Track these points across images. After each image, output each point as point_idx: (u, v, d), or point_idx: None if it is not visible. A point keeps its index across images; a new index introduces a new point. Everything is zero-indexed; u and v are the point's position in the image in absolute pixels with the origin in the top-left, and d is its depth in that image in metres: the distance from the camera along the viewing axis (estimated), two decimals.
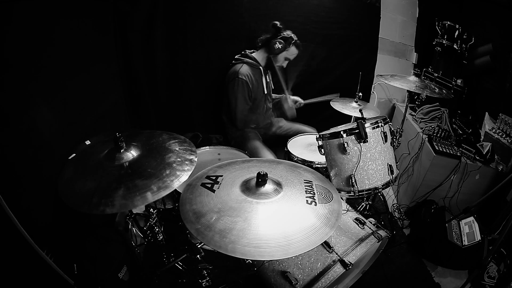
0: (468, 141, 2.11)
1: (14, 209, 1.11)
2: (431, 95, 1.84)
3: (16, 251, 1.19)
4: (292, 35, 1.98)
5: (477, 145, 2.07)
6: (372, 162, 1.36)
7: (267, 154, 1.97)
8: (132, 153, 1.12)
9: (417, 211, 2.16)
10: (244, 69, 1.93)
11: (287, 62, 2.06)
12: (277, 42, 1.93)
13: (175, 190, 1.02)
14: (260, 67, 2.00)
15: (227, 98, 1.99)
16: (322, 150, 1.45)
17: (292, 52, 2.00)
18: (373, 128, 1.35)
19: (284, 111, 2.19)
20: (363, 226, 1.28)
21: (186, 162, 1.10)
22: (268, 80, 2.11)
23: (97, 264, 1.32)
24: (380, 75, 2.08)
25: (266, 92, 2.07)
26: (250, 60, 1.98)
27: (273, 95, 2.34)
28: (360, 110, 1.51)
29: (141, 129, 1.42)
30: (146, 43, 2.13)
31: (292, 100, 2.26)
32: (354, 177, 1.35)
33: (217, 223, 0.88)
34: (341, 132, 1.33)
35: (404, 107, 2.21)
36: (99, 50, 1.89)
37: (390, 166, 1.41)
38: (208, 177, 1.08)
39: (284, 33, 1.96)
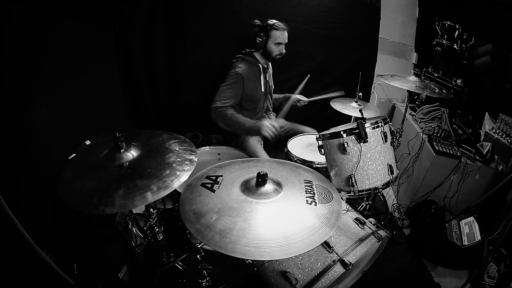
0: (468, 141, 2.11)
1: (14, 209, 1.11)
2: (431, 95, 1.85)
3: (16, 251, 1.19)
4: (270, 21, 1.95)
5: (477, 145, 2.07)
6: (372, 162, 1.36)
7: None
8: (132, 153, 1.12)
9: (417, 211, 2.16)
10: (242, 66, 1.95)
11: (283, 46, 2.01)
12: (256, 38, 1.97)
13: (175, 190, 1.02)
14: (259, 64, 2.01)
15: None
16: (322, 150, 1.45)
17: (276, 35, 1.95)
18: (373, 128, 1.35)
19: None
20: (363, 226, 1.28)
21: (186, 162, 1.10)
22: (267, 79, 2.11)
23: (97, 264, 1.32)
24: (380, 75, 2.08)
25: (263, 90, 2.07)
26: (250, 58, 1.99)
27: (275, 95, 2.34)
28: (360, 110, 1.51)
29: (141, 129, 1.42)
30: (146, 43, 2.13)
31: (295, 99, 2.26)
32: (354, 177, 1.35)
33: (217, 223, 0.88)
34: (341, 132, 1.33)
35: (404, 107, 2.21)
36: (99, 50, 1.89)
37: (390, 166, 1.41)
38: (208, 177, 1.08)
39: (262, 25, 1.96)
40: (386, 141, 1.39)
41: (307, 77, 2.30)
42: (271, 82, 2.19)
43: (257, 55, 2.03)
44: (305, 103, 2.28)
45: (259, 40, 1.96)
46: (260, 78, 2.03)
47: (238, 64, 1.95)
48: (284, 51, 2.03)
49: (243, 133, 1.93)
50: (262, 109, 2.15)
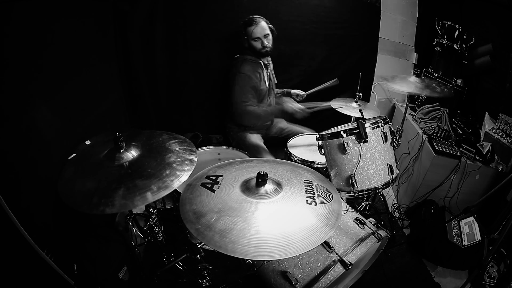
0: (468, 141, 2.11)
1: (14, 209, 1.11)
2: (431, 95, 1.84)
3: (16, 251, 1.19)
4: (245, 19, 1.96)
5: (477, 145, 2.07)
6: (372, 162, 1.36)
7: (267, 157, 1.96)
8: (132, 153, 1.11)
9: (417, 211, 2.16)
10: (245, 65, 1.95)
11: (263, 40, 1.94)
12: (243, 42, 1.97)
13: (175, 190, 1.02)
14: (260, 61, 2.01)
15: (230, 94, 1.99)
16: (322, 150, 1.45)
17: (250, 31, 1.91)
18: (373, 128, 1.35)
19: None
20: (363, 226, 1.28)
21: (186, 162, 1.10)
22: (269, 73, 2.11)
23: (97, 264, 1.32)
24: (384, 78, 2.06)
25: (267, 86, 2.06)
26: (249, 57, 1.99)
27: (276, 90, 2.33)
28: (360, 110, 1.51)
29: (141, 129, 1.43)
30: (146, 43, 2.13)
31: (294, 94, 2.25)
32: (354, 177, 1.35)
33: (217, 223, 0.88)
34: (341, 132, 1.33)
35: (404, 107, 2.21)
36: (99, 49, 1.89)
37: (390, 166, 1.41)
38: (208, 177, 1.08)
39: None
40: (386, 141, 1.39)
41: (334, 80, 2.23)
42: (273, 77, 2.20)
43: (252, 53, 2.02)
44: (303, 97, 2.26)
45: (244, 39, 1.96)
46: (263, 74, 2.03)
47: (240, 64, 1.95)
48: (267, 43, 1.96)
49: (270, 118, 2.03)
50: (265, 104, 2.13)
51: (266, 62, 2.07)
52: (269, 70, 2.11)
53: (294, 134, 2.17)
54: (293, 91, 2.28)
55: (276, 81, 2.23)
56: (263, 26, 1.93)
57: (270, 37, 1.99)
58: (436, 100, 2.52)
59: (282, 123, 2.29)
